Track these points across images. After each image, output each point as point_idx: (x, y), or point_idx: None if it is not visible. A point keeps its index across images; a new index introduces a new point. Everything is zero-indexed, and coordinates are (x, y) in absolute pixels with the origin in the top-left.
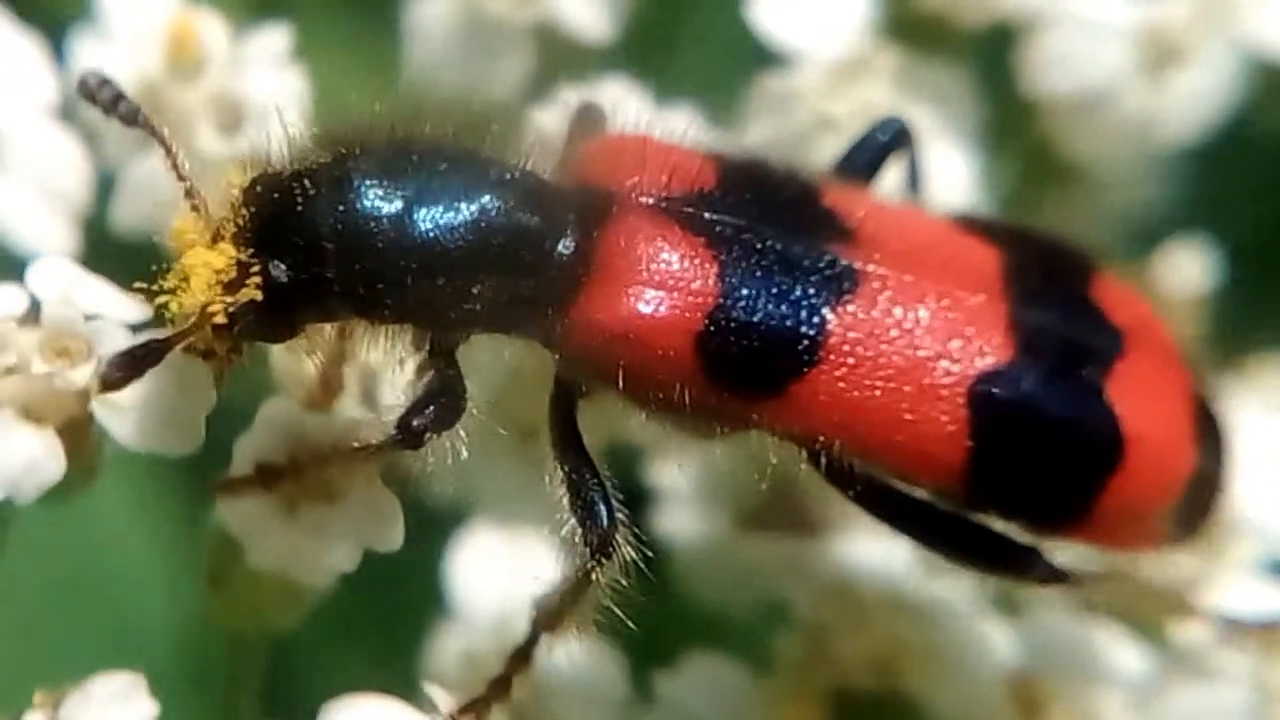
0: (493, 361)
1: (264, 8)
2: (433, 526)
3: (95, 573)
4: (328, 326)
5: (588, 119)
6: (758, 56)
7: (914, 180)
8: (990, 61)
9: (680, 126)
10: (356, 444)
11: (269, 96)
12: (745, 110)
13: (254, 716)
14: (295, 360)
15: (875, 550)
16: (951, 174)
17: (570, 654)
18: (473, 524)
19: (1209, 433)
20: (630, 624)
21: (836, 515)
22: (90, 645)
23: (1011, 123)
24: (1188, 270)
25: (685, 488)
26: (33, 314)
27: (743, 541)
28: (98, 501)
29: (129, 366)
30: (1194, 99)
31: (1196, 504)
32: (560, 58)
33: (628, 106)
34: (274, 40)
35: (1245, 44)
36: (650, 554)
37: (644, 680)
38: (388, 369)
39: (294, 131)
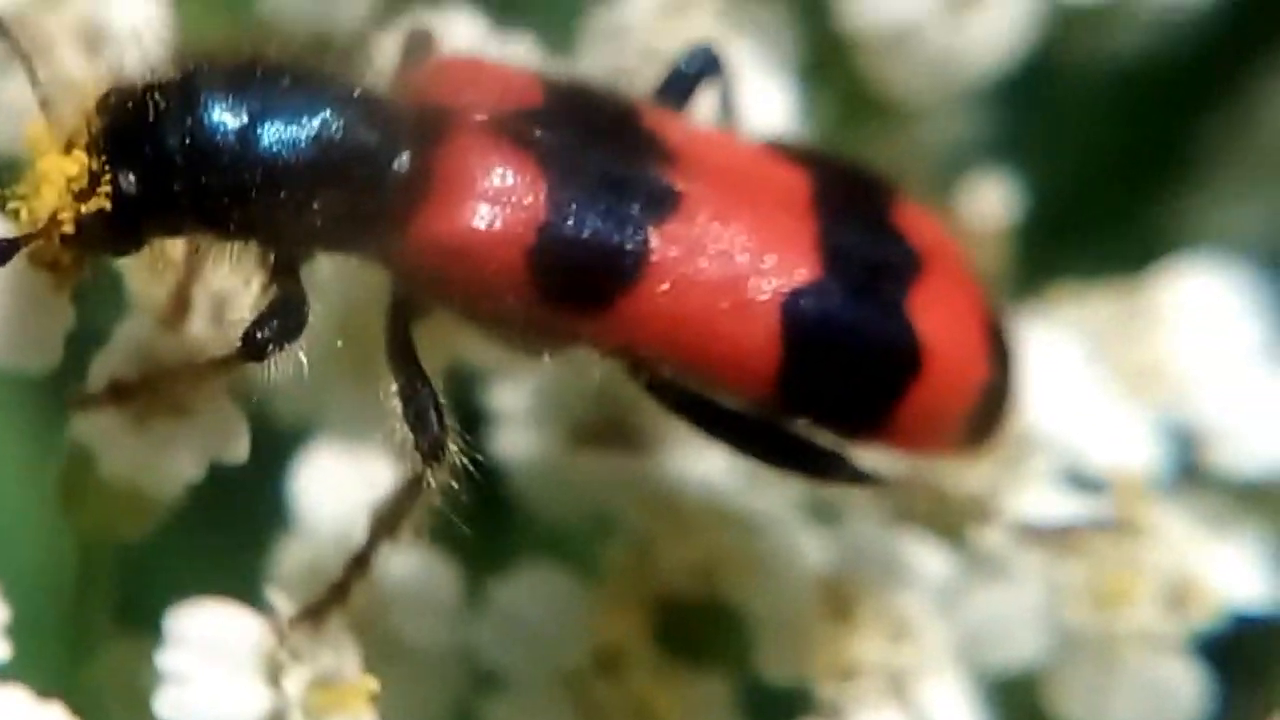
0: (336, 284)
1: None
2: (280, 443)
3: None
4: (176, 245)
5: (419, 44)
6: None
7: (727, 107)
8: None
9: (519, 54)
10: (204, 359)
11: (129, 22)
12: (581, 41)
13: (105, 626)
14: (151, 282)
15: (698, 464)
16: (771, 106)
17: (407, 563)
18: (316, 441)
19: (999, 349)
20: (466, 535)
21: (663, 431)
22: None
23: (830, 58)
24: (992, 202)
25: (520, 409)
26: None
27: (575, 459)
28: None
29: None
30: (993, 37)
31: (988, 413)
32: None
33: (467, 34)
34: None
35: None
36: (484, 466)
37: (481, 591)
38: (239, 292)
39: (150, 53)
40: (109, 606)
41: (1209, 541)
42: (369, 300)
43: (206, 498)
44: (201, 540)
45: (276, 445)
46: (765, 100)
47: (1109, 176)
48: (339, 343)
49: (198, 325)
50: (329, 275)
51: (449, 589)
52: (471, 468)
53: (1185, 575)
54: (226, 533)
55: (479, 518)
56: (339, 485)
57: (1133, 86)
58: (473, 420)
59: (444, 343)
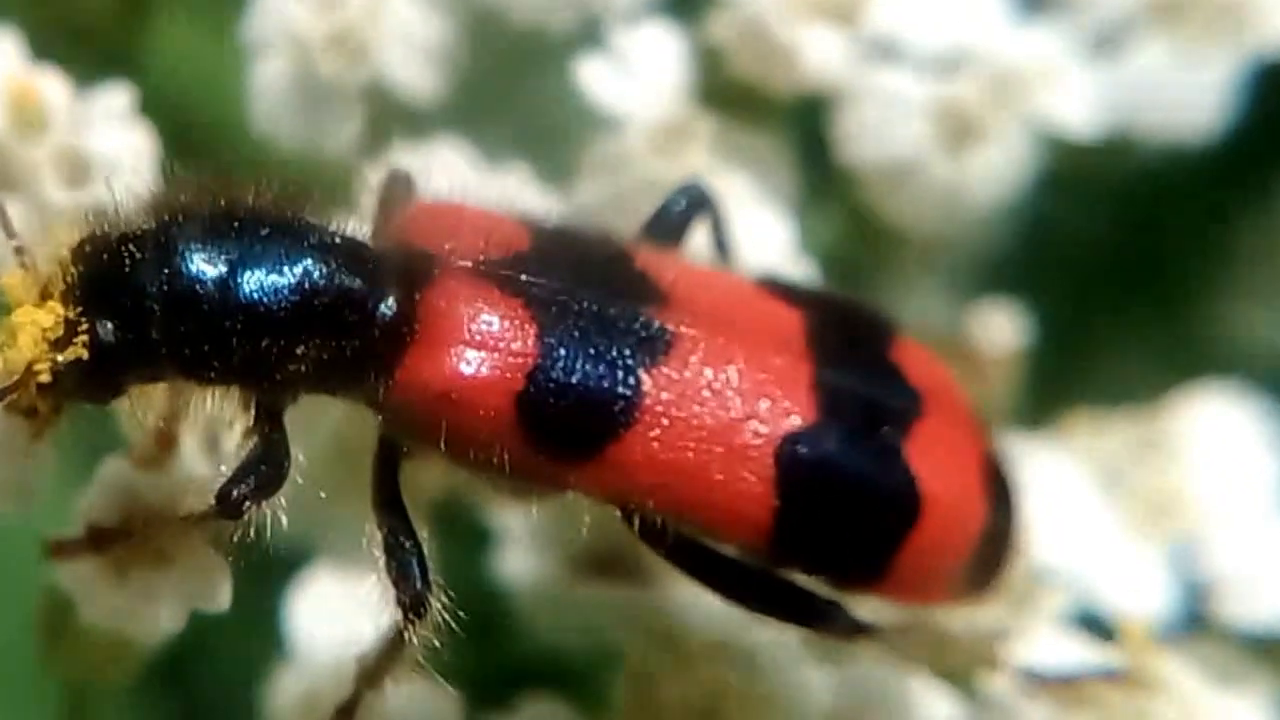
0: (332, 404)
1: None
2: (274, 569)
3: None
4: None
5: (398, 186)
6: (587, 119)
7: (720, 243)
8: (813, 127)
9: (512, 185)
10: (182, 514)
11: (112, 152)
12: (577, 171)
13: None
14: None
15: (702, 598)
16: (769, 238)
17: (406, 693)
18: (312, 567)
19: (999, 491)
20: (468, 667)
21: (665, 564)
22: None
23: (832, 187)
24: (1001, 329)
25: (523, 530)
26: None
27: (577, 586)
28: None
29: None
30: (993, 171)
31: (988, 560)
32: (395, 115)
33: (457, 167)
34: (115, 99)
35: (1035, 121)
36: (484, 589)
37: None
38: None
39: (128, 192)
40: None
41: (1218, 695)
42: (365, 419)
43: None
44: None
45: (271, 567)
46: (763, 232)
47: (1130, 288)
48: (330, 468)
49: (189, 456)
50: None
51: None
52: (461, 591)
53: None
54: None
55: (480, 641)
56: (336, 612)
57: (1153, 197)
58: (477, 537)
59: (441, 471)
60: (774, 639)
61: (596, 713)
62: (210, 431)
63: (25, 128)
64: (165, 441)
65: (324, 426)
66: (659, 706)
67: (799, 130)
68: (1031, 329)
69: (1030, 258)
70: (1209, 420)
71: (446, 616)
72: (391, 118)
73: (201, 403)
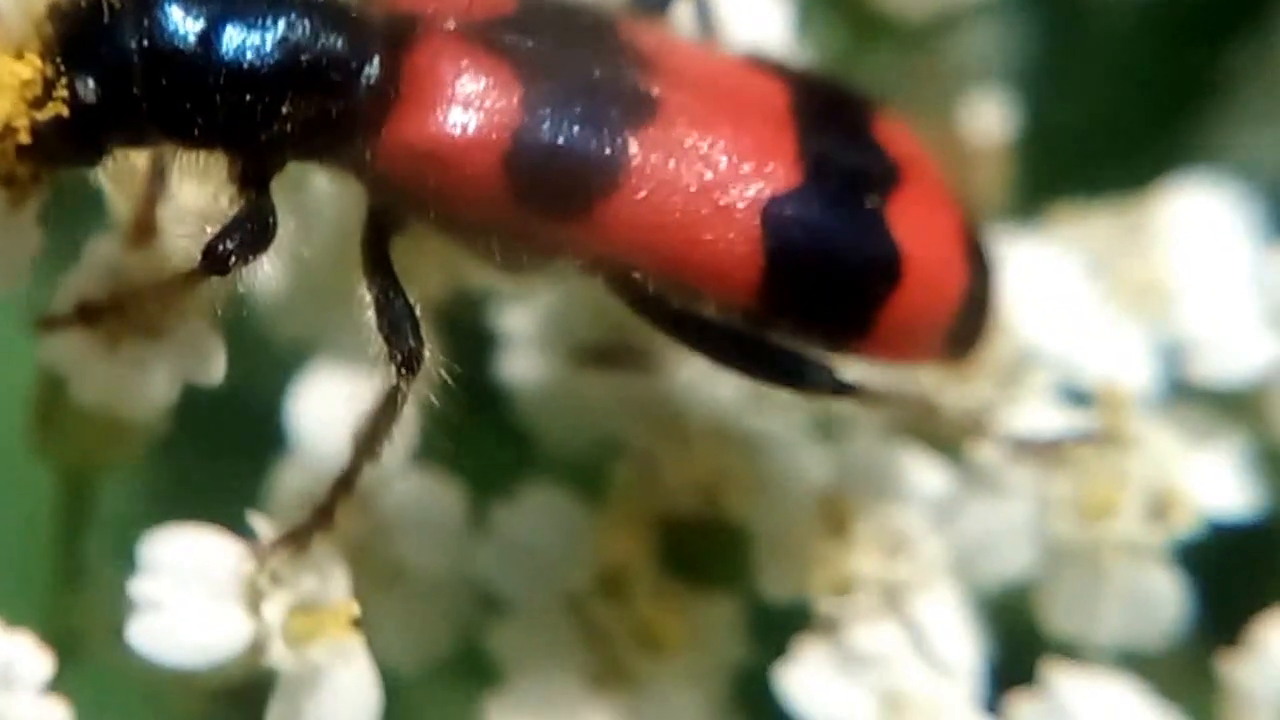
0: (331, 206)
1: None
2: (277, 367)
3: None
4: (139, 162)
5: None
6: None
7: (704, 22)
8: None
9: None
10: (169, 277)
11: None
12: None
13: (90, 559)
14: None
15: (701, 384)
16: (769, 25)
17: (410, 488)
18: (314, 365)
19: (978, 260)
20: (469, 459)
21: (668, 352)
22: None
23: None
24: (990, 120)
25: (526, 332)
26: None
27: (580, 380)
28: None
29: None
30: None
31: (968, 323)
32: None
33: None
34: None
35: None
36: (487, 387)
37: (485, 515)
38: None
39: None
40: (100, 537)
41: (1191, 452)
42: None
43: (204, 426)
44: (203, 471)
45: (274, 370)
46: (763, 19)
47: (1133, 101)
48: (330, 263)
49: (179, 245)
50: (321, 195)
51: (452, 512)
52: (462, 382)
53: (1168, 485)
54: (229, 462)
55: (483, 441)
56: (336, 410)
57: (1160, 13)
58: (479, 343)
59: (441, 266)
60: (772, 424)
61: (600, 501)
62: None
63: None
64: (144, 220)
65: (322, 223)
66: (660, 490)
67: None
68: (1023, 129)
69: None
70: (1190, 209)
71: (441, 372)
72: None
73: (187, 171)
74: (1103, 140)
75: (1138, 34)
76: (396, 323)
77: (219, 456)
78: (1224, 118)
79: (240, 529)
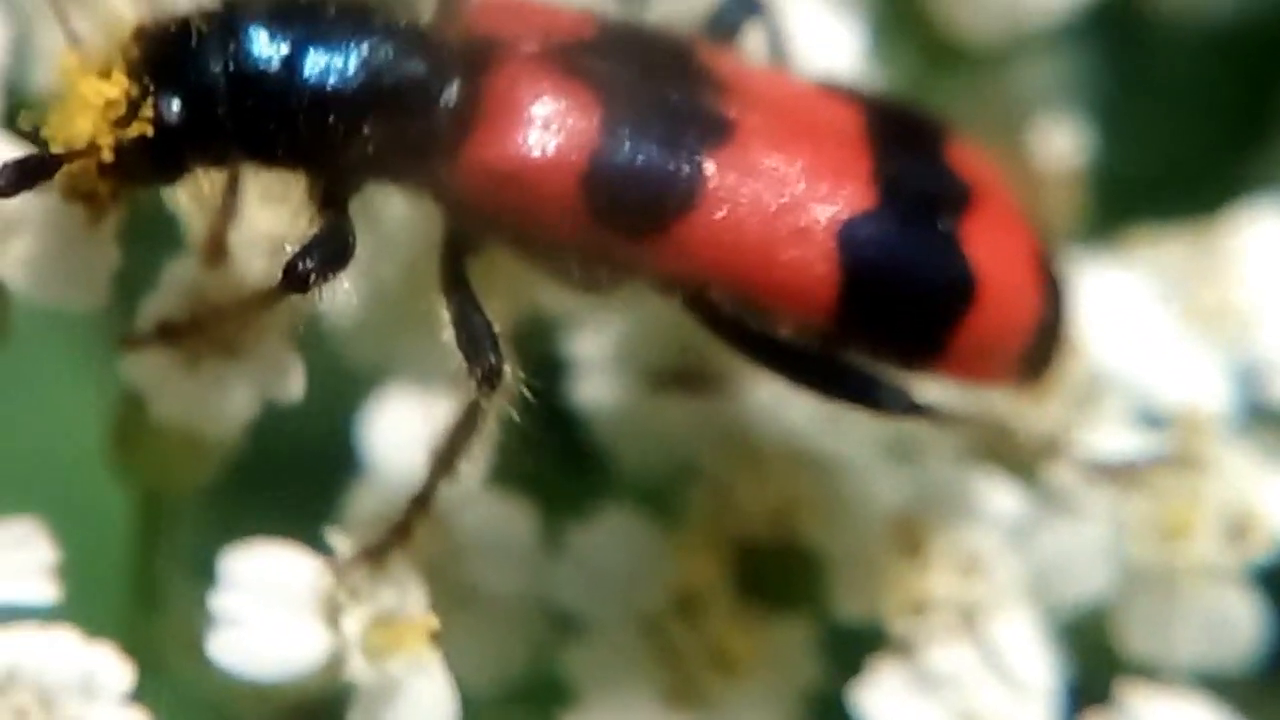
0: (405, 231)
1: None
2: (354, 389)
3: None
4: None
5: None
6: None
7: (775, 48)
8: None
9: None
10: (249, 296)
11: None
12: None
13: (171, 574)
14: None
15: (777, 408)
16: (841, 51)
17: (483, 509)
18: (388, 388)
19: (1050, 283)
20: (545, 481)
21: (741, 376)
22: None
23: (905, 4)
24: (1062, 146)
25: (600, 356)
26: None
27: (654, 404)
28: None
29: (17, 176)
30: None
31: (1041, 345)
32: None
33: None
34: None
35: None
36: (563, 411)
37: (560, 537)
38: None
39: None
40: (176, 555)
41: (1268, 475)
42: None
43: (282, 447)
44: (278, 491)
45: (351, 393)
46: (835, 45)
47: (1200, 130)
48: (407, 285)
49: (256, 267)
50: (398, 218)
51: (525, 534)
52: (536, 402)
53: (1245, 508)
54: (304, 483)
55: (558, 464)
56: (411, 433)
57: (1227, 43)
58: (554, 370)
59: (514, 291)
60: (846, 447)
61: (674, 524)
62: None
63: None
64: (217, 240)
65: (398, 245)
66: (734, 513)
67: None
68: (1097, 154)
69: (1101, 99)
70: (1264, 234)
71: (524, 390)
72: None
73: (267, 192)
74: (1171, 168)
75: (1205, 63)
76: (476, 338)
77: (296, 476)
78: None
79: (317, 548)
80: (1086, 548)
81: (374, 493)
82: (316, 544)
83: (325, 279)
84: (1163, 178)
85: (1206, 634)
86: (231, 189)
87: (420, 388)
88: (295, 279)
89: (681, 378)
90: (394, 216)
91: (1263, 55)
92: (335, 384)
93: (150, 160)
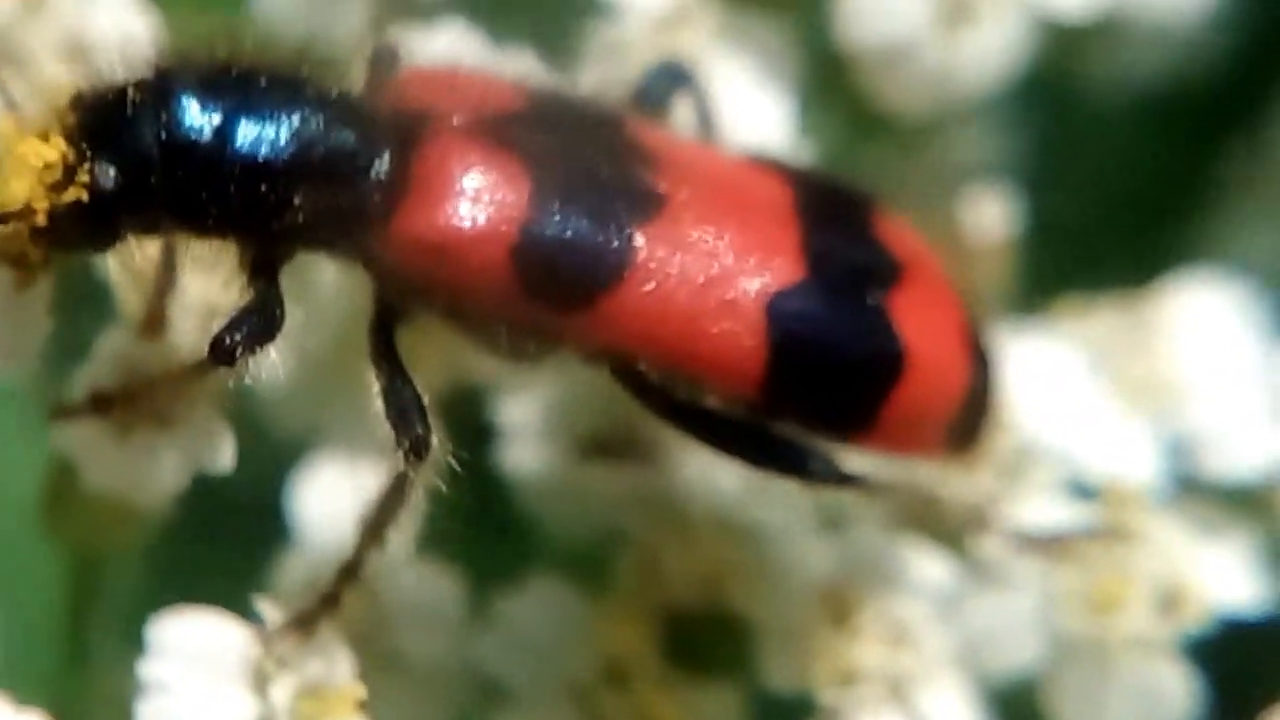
0: (333, 296)
1: None
2: (282, 457)
3: None
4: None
5: (385, 59)
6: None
7: (704, 121)
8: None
9: (517, 67)
10: (178, 369)
11: (113, 33)
12: (578, 57)
13: (101, 639)
14: (135, 292)
15: (705, 476)
16: (768, 122)
17: (410, 577)
18: (317, 454)
19: (979, 355)
20: (473, 551)
21: (670, 443)
22: None
23: (833, 76)
24: (991, 216)
25: (528, 423)
26: None
27: (582, 472)
28: None
29: None
30: (988, 53)
31: (969, 417)
32: (400, 5)
33: (460, 51)
34: None
35: (1029, 4)
36: (491, 478)
37: (487, 603)
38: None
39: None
40: (108, 620)
41: (1200, 546)
42: (362, 289)
43: (210, 513)
44: (207, 556)
45: (278, 459)
46: (762, 116)
47: (1127, 199)
48: (336, 353)
49: (189, 336)
50: (328, 287)
51: (452, 602)
52: (464, 473)
53: (1176, 580)
54: (232, 549)
55: (485, 531)
56: (339, 501)
57: (1155, 110)
58: (481, 436)
59: (443, 358)
60: (775, 515)
61: (602, 591)
62: (207, 312)
63: (29, 9)
64: (155, 311)
65: (329, 314)
66: (663, 581)
67: (805, 24)
68: (1024, 224)
69: (1029, 167)
70: (1193, 305)
71: (451, 461)
72: (399, 6)
73: (199, 261)
74: (1101, 237)
75: (1135, 132)
76: (404, 410)
77: (224, 542)
78: (1219, 216)
79: (246, 614)
80: (1016, 619)
81: (303, 560)
82: (246, 611)
83: (252, 352)
84: (1092, 247)
85: (1138, 706)
86: (167, 258)
87: (349, 454)
88: (222, 354)
89: (610, 445)
90: (325, 284)
91: (1191, 122)
92: (266, 449)
93: (84, 226)
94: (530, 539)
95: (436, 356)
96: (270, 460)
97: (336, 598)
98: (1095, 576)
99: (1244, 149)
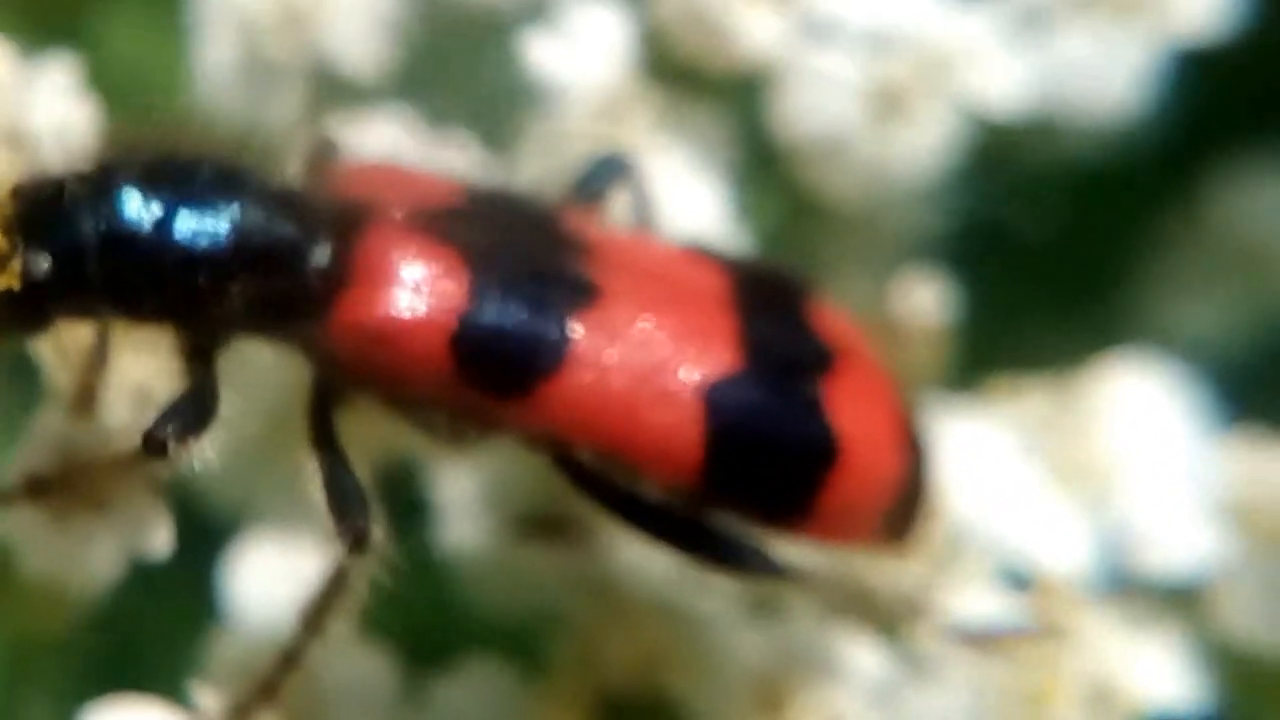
0: (268, 373)
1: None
2: (213, 537)
3: None
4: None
5: (323, 151)
6: (531, 94)
7: (642, 211)
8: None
9: (454, 157)
10: (110, 457)
11: (51, 123)
12: (517, 144)
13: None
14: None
15: (641, 559)
16: (705, 211)
17: (344, 659)
18: (250, 533)
19: (913, 443)
20: (407, 630)
21: (607, 525)
22: None
23: (770, 166)
24: (925, 300)
25: (463, 501)
26: None
27: (518, 552)
28: None
29: None
30: (922, 146)
31: (904, 505)
32: (339, 89)
33: (396, 138)
34: (61, 73)
35: (961, 101)
36: (425, 559)
37: (422, 685)
38: (161, 382)
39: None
40: (43, 703)
41: (1131, 643)
42: (301, 388)
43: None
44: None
45: (210, 534)
46: (699, 203)
47: (1059, 274)
48: (270, 431)
49: (122, 415)
50: (263, 364)
51: (386, 685)
52: (403, 561)
53: (1107, 677)
54: (166, 630)
55: (420, 612)
56: (274, 578)
57: (1090, 184)
58: (415, 513)
59: (377, 436)
60: (710, 602)
61: (538, 675)
62: (141, 393)
63: None
64: (85, 392)
65: (263, 392)
66: (598, 664)
67: (741, 110)
68: (958, 306)
69: (963, 244)
70: (1125, 390)
71: (391, 551)
72: (336, 91)
73: (134, 345)
74: (1035, 312)
75: (1069, 207)
76: (345, 500)
77: (159, 625)
78: (1154, 291)
79: (180, 699)
80: (949, 711)
81: (237, 640)
82: (182, 695)
83: (185, 444)
84: (1026, 321)
85: None
86: (101, 342)
87: (284, 532)
88: (155, 446)
89: (548, 526)
90: (262, 367)
91: (1126, 197)
92: (198, 527)
93: (15, 312)
94: (466, 619)
95: (372, 433)
96: (204, 538)
97: (275, 687)
98: (1026, 672)
99: (1179, 224)
